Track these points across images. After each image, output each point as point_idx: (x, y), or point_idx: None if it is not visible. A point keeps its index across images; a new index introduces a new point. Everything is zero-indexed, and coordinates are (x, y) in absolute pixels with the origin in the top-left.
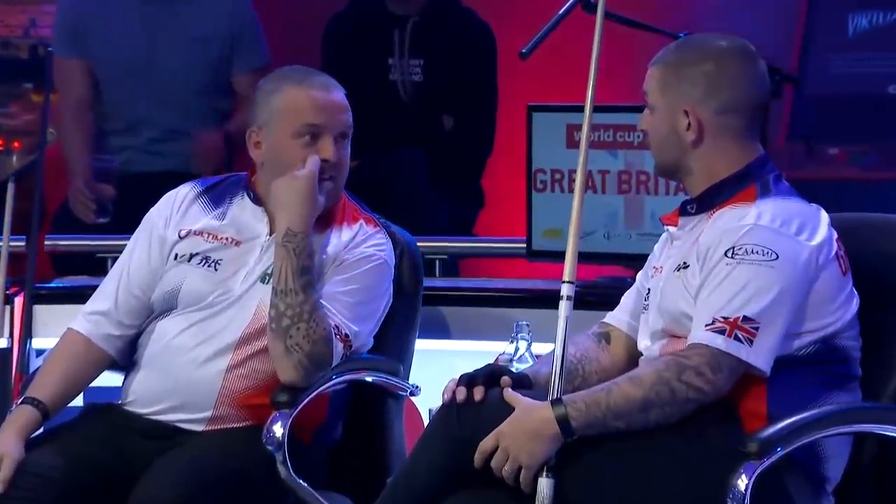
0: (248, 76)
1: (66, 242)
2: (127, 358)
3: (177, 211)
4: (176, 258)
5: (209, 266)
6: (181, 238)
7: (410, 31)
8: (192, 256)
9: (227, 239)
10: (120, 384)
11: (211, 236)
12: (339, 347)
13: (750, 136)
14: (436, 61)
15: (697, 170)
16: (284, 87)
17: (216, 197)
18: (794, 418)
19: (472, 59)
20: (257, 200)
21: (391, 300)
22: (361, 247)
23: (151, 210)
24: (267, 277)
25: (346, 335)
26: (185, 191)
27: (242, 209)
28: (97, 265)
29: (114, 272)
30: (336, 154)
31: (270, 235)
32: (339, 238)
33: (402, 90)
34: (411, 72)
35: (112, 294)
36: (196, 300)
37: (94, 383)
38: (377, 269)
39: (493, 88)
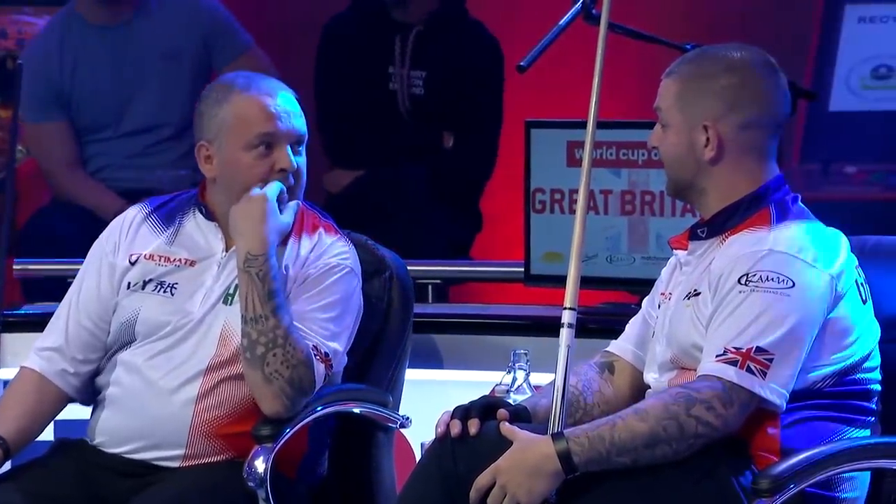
0: (232, 64)
1: (36, 266)
2: (86, 396)
3: (125, 235)
4: (129, 287)
5: (165, 291)
6: (132, 264)
7: (413, 42)
8: (145, 283)
9: (180, 260)
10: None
11: (163, 259)
12: (320, 368)
13: (769, 155)
14: (438, 75)
15: (712, 189)
16: (231, 96)
17: (166, 215)
18: (807, 454)
19: (476, 76)
20: (210, 216)
21: (363, 309)
22: (323, 258)
23: (100, 236)
24: (229, 298)
25: (326, 354)
26: (133, 213)
27: (195, 226)
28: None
29: (63, 306)
30: (294, 163)
31: (227, 252)
32: (297, 251)
33: (401, 102)
34: (412, 84)
35: (62, 329)
36: (155, 329)
37: (65, 416)
38: (344, 279)
39: (497, 109)
